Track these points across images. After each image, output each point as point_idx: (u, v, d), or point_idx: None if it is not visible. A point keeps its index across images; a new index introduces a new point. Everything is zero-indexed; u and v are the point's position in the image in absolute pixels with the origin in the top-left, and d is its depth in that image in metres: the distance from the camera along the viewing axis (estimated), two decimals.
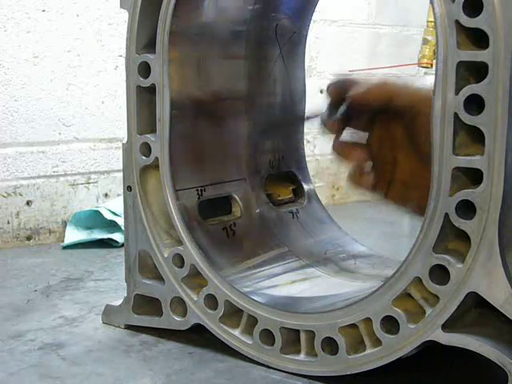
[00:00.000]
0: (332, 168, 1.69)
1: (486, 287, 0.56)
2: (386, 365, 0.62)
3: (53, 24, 1.24)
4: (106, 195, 1.33)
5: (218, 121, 0.82)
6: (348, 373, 0.64)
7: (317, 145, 1.68)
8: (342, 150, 0.74)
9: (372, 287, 0.65)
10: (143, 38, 0.74)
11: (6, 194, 1.21)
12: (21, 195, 1.23)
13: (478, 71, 0.54)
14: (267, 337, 0.69)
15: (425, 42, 1.62)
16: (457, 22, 0.54)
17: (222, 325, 0.72)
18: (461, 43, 0.54)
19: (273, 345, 0.68)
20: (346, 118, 0.74)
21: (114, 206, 1.25)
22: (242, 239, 0.81)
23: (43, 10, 1.22)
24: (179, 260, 0.74)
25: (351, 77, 0.75)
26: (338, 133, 0.75)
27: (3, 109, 1.20)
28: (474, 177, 0.56)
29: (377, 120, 0.74)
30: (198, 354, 0.73)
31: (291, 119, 0.88)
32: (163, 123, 0.73)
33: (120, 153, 0.78)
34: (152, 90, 0.73)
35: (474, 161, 0.55)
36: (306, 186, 0.88)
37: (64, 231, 1.26)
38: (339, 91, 0.74)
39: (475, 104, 0.54)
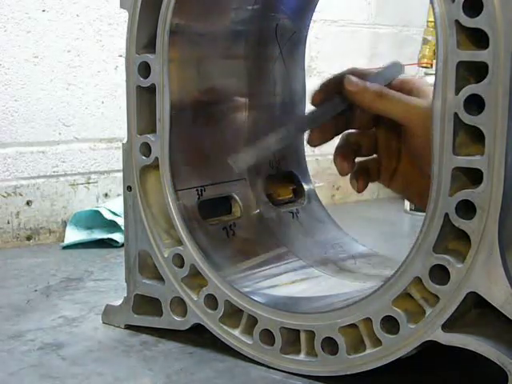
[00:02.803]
0: (332, 168, 1.69)
1: (486, 287, 0.56)
2: (385, 365, 0.62)
3: (53, 24, 1.24)
4: (106, 195, 1.33)
5: (218, 120, 0.82)
6: (348, 373, 0.64)
7: None
8: (343, 155, 0.73)
9: (372, 287, 0.65)
10: (143, 38, 0.74)
11: (5, 194, 1.21)
12: (21, 195, 1.23)
13: (478, 71, 0.54)
14: (267, 337, 0.69)
15: (425, 41, 1.62)
16: (457, 21, 0.54)
17: (222, 325, 0.72)
18: (461, 43, 0.54)
19: (273, 345, 0.68)
20: (342, 121, 0.73)
21: (114, 206, 1.25)
22: (242, 239, 0.81)
23: (43, 10, 1.22)
24: (179, 260, 0.74)
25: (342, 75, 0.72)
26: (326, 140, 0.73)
27: (3, 109, 1.20)
28: (474, 177, 0.56)
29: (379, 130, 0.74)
30: (198, 354, 0.73)
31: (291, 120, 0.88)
32: (163, 123, 0.73)
33: (120, 153, 0.78)
34: (152, 89, 0.73)
35: (474, 161, 0.55)
36: (305, 186, 0.88)
37: (64, 231, 1.26)
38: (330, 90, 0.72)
39: (475, 104, 0.54)
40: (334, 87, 0.71)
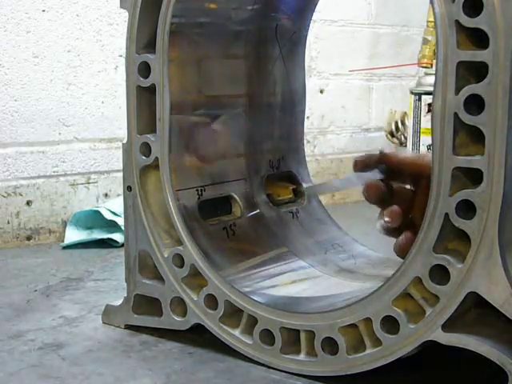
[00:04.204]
0: (332, 168, 1.69)
1: (486, 287, 0.56)
2: (385, 365, 0.62)
3: (53, 24, 1.24)
4: (106, 195, 1.33)
5: (218, 120, 0.82)
6: (348, 373, 0.64)
7: (317, 145, 1.68)
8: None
9: (372, 287, 0.65)
10: (143, 38, 0.74)
11: (5, 194, 1.21)
12: (21, 195, 1.23)
13: (478, 71, 0.54)
14: (267, 337, 0.69)
15: (425, 41, 1.62)
16: (457, 21, 0.54)
17: (222, 325, 0.72)
18: (461, 43, 0.54)
19: (273, 345, 0.68)
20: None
21: (113, 206, 1.25)
22: (242, 239, 0.81)
23: (43, 10, 1.22)
24: (179, 260, 0.74)
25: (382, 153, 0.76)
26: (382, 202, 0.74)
27: (3, 109, 1.20)
28: (474, 177, 0.56)
29: (416, 194, 0.74)
30: (198, 354, 0.73)
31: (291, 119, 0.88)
32: (163, 123, 0.73)
33: (120, 153, 0.78)
34: (152, 89, 0.73)
35: (474, 161, 0.55)
36: (306, 186, 0.88)
37: (64, 231, 1.25)
38: (368, 162, 0.76)
39: (475, 104, 0.54)
40: (372, 162, 0.76)
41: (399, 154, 0.76)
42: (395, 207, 0.73)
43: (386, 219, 0.73)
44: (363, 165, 0.76)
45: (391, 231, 0.74)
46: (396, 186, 0.75)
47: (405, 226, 0.73)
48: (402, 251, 0.72)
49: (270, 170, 0.86)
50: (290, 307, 0.69)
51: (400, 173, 0.75)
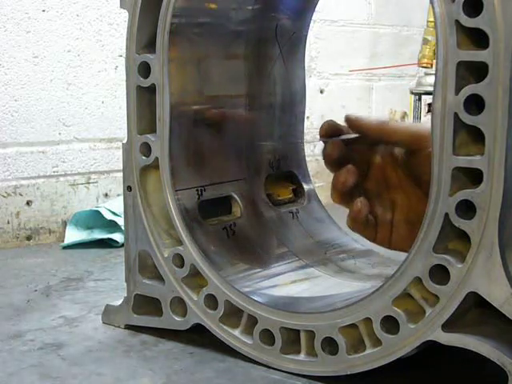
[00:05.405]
0: None
1: (486, 287, 0.56)
2: (386, 365, 0.62)
3: (53, 24, 1.24)
4: (106, 195, 1.33)
5: (218, 120, 0.82)
6: (348, 373, 0.64)
7: (317, 145, 1.68)
8: (343, 195, 0.73)
9: (372, 287, 0.65)
10: (143, 38, 0.74)
11: (5, 194, 1.21)
12: (21, 195, 1.23)
13: (477, 71, 0.54)
14: (267, 337, 0.69)
15: (425, 41, 1.62)
16: (457, 21, 0.54)
17: (222, 325, 0.72)
18: (461, 43, 0.54)
19: (273, 345, 0.68)
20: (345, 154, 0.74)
21: (114, 206, 1.25)
22: (242, 239, 0.81)
23: (43, 10, 1.22)
24: (179, 260, 0.74)
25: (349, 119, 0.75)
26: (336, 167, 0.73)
27: (3, 109, 1.20)
28: (473, 177, 0.56)
29: (372, 164, 0.74)
30: (198, 354, 0.73)
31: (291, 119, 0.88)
32: (163, 123, 0.73)
33: (120, 153, 0.78)
34: (152, 89, 0.73)
35: (474, 161, 0.55)
36: (305, 186, 0.88)
37: (64, 231, 1.26)
38: (333, 128, 0.75)
39: (475, 104, 0.54)
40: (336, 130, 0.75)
41: (363, 118, 0.74)
42: (351, 166, 0.71)
43: (342, 179, 0.71)
44: (326, 134, 0.75)
45: (345, 194, 0.72)
46: (355, 151, 0.74)
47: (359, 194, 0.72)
48: (354, 221, 0.72)
49: (270, 169, 0.86)
50: (290, 307, 0.69)
51: (363, 138, 0.73)
